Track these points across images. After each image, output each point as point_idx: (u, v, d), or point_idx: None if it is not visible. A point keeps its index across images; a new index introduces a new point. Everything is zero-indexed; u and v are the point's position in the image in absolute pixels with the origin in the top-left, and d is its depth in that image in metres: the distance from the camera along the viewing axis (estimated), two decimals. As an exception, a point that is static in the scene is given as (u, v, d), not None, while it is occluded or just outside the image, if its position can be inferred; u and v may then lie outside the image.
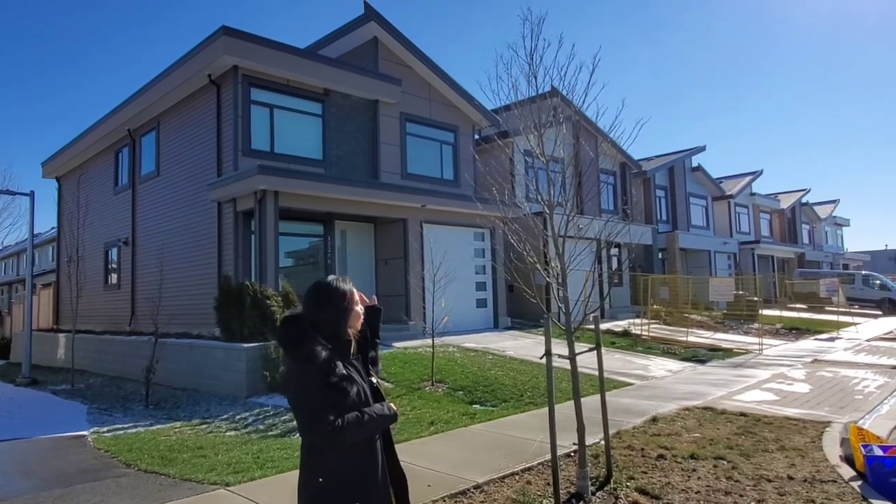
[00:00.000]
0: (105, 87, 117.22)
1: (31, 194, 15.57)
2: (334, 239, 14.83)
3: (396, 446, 6.27)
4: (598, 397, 8.56)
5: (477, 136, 19.12)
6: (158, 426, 8.15)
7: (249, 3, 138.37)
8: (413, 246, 14.45)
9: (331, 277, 2.55)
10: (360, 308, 2.53)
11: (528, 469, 5.31)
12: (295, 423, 7.44)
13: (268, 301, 10.49)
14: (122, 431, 7.92)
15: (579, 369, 8.67)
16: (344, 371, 2.33)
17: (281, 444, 6.63)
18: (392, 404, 2.51)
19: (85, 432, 7.95)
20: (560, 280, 4.74)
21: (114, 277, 18.57)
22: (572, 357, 4.68)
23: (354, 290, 2.55)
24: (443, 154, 17.44)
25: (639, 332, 16.60)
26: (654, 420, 7.25)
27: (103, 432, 7.88)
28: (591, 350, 5.04)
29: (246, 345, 10.14)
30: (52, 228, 32.33)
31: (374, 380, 2.52)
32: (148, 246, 16.19)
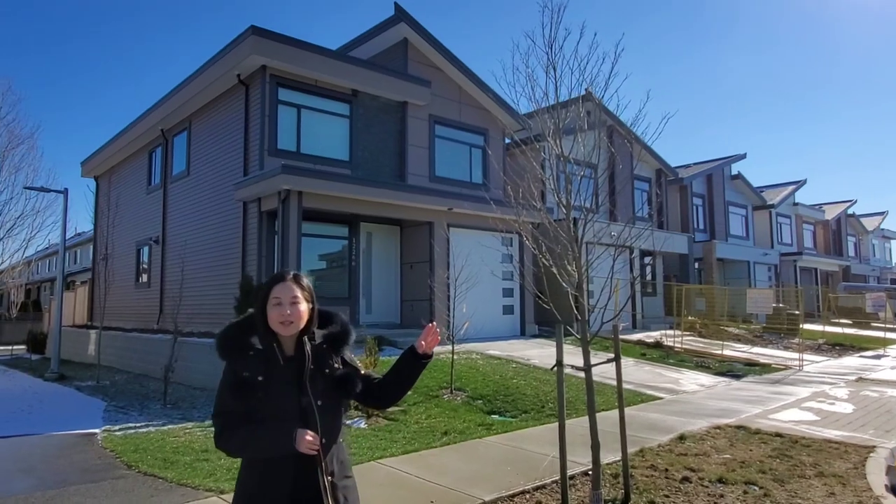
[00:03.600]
0: (144, 87, 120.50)
1: (65, 192, 15.86)
2: (359, 241, 14.67)
3: (406, 456, 5.97)
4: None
5: (508, 140, 18.80)
6: (170, 426, 8.04)
7: (287, 9, 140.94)
8: (438, 250, 14.19)
9: (282, 271, 2.33)
10: (281, 310, 2.20)
11: (541, 488, 4.97)
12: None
13: (287, 302, 10.34)
14: (132, 430, 7.83)
15: (603, 381, 8.26)
16: (247, 375, 2.15)
17: (287, 450, 6.43)
18: (310, 435, 2.10)
19: (97, 430, 7.88)
20: (576, 286, 4.41)
21: (144, 276, 18.82)
22: (587, 368, 4.33)
23: (287, 285, 2.25)
24: (472, 157, 17.17)
25: (671, 344, 15.99)
26: (682, 438, 6.81)
27: (114, 431, 7.81)
28: (609, 361, 4.68)
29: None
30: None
31: (311, 400, 2.17)
32: (177, 245, 16.32)
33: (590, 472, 5.22)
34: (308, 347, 2.24)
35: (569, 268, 4.54)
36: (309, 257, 13.54)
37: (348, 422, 7.68)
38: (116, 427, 8.06)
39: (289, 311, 2.19)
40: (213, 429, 2.22)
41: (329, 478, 2.17)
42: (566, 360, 4.42)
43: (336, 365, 2.30)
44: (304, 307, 2.24)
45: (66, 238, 38.57)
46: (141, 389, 11.85)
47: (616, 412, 7.41)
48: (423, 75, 15.80)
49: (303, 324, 2.24)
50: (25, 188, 14.85)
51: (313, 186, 12.18)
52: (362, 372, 2.39)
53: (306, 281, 2.33)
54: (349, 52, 15.23)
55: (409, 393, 9.21)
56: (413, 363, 2.37)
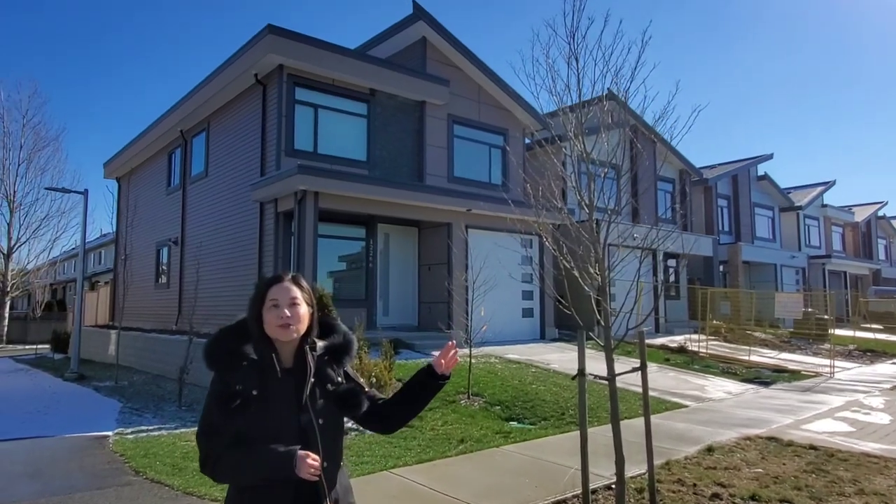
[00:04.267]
0: (163, 89, 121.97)
1: (85, 193, 15.95)
2: (377, 242, 14.51)
3: (420, 465, 5.71)
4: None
5: (528, 140, 18.52)
6: (183, 430, 7.91)
7: (306, 9, 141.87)
8: (457, 251, 13.96)
9: (279, 273, 2.10)
10: (279, 312, 1.97)
11: (560, 503, 4.70)
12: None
13: (302, 304, 10.18)
14: (144, 434, 7.72)
15: (626, 387, 7.94)
16: (239, 388, 1.89)
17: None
18: (311, 458, 1.83)
19: (109, 433, 7.78)
20: (599, 290, 4.15)
21: (164, 277, 18.88)
22: (611, 378, 4.07)
23: (285, 286, 2.02)
24: (491, 157, 16.92)
25: (696, 349, 15.56)
26: (710, 450, 6.49)
27: (126, 434, 7.70)
28: (635, 371, 4.40)
29: (278, 348, 9.85)
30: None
31: (311, 419, 1.93)
32: (195, 246, 16.31)
33: (613, 487, 4.95)
34: (310, 358, 2.00)
35: (591, 270, 4.28)
36: (325, 258, 13.41)
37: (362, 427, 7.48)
38: (129, 430, 7.95)
39: (288, 313, 1.96)
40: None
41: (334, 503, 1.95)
42: (588, 366, 4.16)
43: (339, 379, 2.07)
44: (304, 310, 2.01)
45: (93, 239, 39.09)
46: (157, 391, 11.80)
47: (641, 420, 7.13)
48: (442, 74, 15.60)
49: (303, 328, 2.01)
50: (46, 189, 15.04)
51: (329, 187, 12.04)
52: (366, 390, 2.15)
53: (306, 283, 2.11)
54: (367, 52, 15.09)
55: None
56: (428, 384, 2.12)
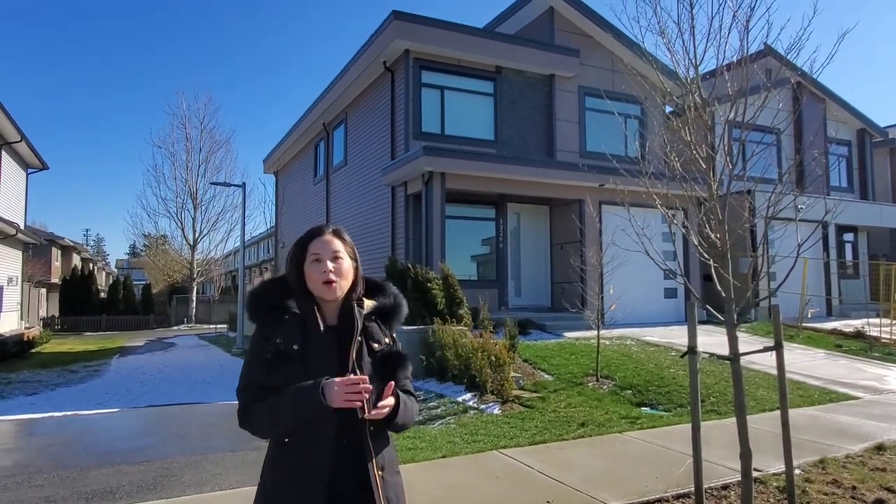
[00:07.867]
0: (309, 84, 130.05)
1: (243, 185, 17.55)
2: (506, 222, 14.30)
3: (532, 447, 5.44)
4: (801, 411, 6.90)
5: (669, 109, 17.17)
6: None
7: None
8: (589, 229, 13.32)
9: (320, 225, 2.01)
10: (322, 266, 1.88)
11: (682, 496, 4.23)
12: (438, 410, 6.90)
13: (429, 284, 10.32)
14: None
15: (787, 374, 7.08)
16: (280, 342, 1.80)
17: (413, 433, 6.27)
18: (338, 382, 1.73)
19: (253, 402, 8.45)
20: (720, 257, 3.62)
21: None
22: (734, 356, 3.53)
23: (326, 239, 1.93)
24: (627, 129, 15.89)
25: (876, 334, 13.48)
26: (881, 449, 5.51)
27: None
28: (767, 350, 3.79)
29: (406, 328, 10.08)
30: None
31: (360, 376, 1.81)
32: (337, 231, 17.24)
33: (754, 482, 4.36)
34: (358, 314, 1.90)
35: (712, 235, 3.76)
36: (455, 240, 13.44)
37: (482, 406, 7.38)
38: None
39: (331, 266, 1.88)
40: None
41: (380, 472, 1.83)
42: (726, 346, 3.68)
43: (387, 340, 1.97)
44: (347, 264, 1.93)
45: (265, 230, 43.10)
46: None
47: (796, 411, 6.28)
48: (572, 45, 14.92)
49: (348, 284, 1.93)
50: (211, 184, 16.75)
51: (456, 167, 12.04)
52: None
53: (348, 237, 2.02)
54: (494, 30, 14.85)
55: (551, 379, 8.52)
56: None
